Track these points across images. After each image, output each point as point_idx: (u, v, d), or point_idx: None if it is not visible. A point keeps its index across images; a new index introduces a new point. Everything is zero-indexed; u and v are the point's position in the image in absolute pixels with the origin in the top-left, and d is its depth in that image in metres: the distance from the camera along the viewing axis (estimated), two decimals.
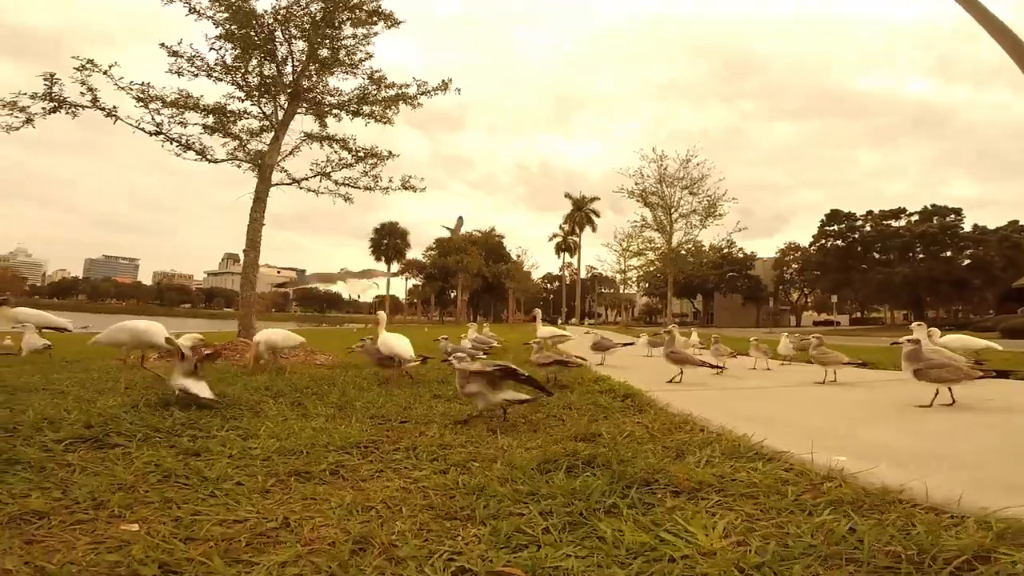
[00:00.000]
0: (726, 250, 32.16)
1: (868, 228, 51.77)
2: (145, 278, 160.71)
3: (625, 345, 7.27)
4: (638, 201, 30.32)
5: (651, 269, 39.60)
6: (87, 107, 7.02)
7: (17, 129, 6.89)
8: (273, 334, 5.02)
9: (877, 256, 50.95)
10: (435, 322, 69.64)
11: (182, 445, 2.33)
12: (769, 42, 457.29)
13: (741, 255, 63.00)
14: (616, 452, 2.18)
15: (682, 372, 4.79)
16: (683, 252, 30.79)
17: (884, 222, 50.66)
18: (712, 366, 5.29)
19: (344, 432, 2.58)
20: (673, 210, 30.03)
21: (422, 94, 8.99)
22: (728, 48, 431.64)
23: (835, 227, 53.37)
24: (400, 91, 8.85)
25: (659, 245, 31.37)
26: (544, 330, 7.99)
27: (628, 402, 3.66)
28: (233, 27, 7.83)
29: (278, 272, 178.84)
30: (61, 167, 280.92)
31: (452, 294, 73.03)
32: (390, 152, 9.25)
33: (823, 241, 54.33)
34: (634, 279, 44.27)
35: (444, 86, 8.99)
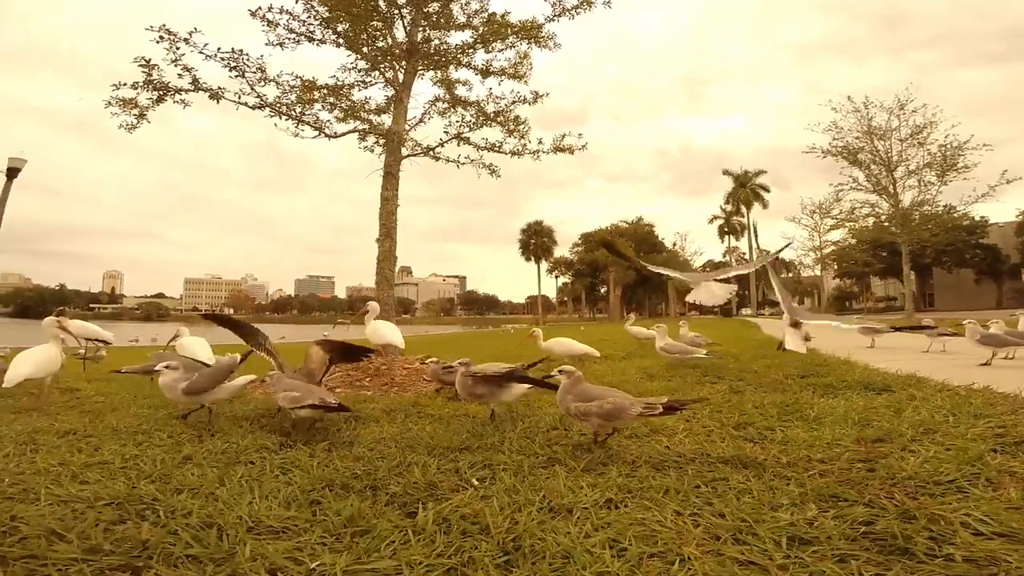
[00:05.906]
0: (946, 215, 23.58)
1: None
2: (340, 293, 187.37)
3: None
4: (844, 159, 23.87)
5: (853, 243, 31.66)
6: (190, 90, 6.16)
7: (135, 126, 6.30)
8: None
9: None
10: (588, 320, 67.22)
11: None
12: None
13: (967, 221, 45.48)
14: None
15: None
16: (919, 215, 23.32)
17: None
18: None
19: None
20: (895, 167, 23.05)
21: (559, 15, 6.86)
22: None
23: None
24: (527, 22, 6.86)
25: (879, 210, 24.39)
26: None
27: None
28: (338, 11, 6.64)
29: (444, 280, 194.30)
30: (271, 204, 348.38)
31: (603, 290, 69.43)
32: (536, 93, 7.08)
33: None
34: (832, 257, 35.91)
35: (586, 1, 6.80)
